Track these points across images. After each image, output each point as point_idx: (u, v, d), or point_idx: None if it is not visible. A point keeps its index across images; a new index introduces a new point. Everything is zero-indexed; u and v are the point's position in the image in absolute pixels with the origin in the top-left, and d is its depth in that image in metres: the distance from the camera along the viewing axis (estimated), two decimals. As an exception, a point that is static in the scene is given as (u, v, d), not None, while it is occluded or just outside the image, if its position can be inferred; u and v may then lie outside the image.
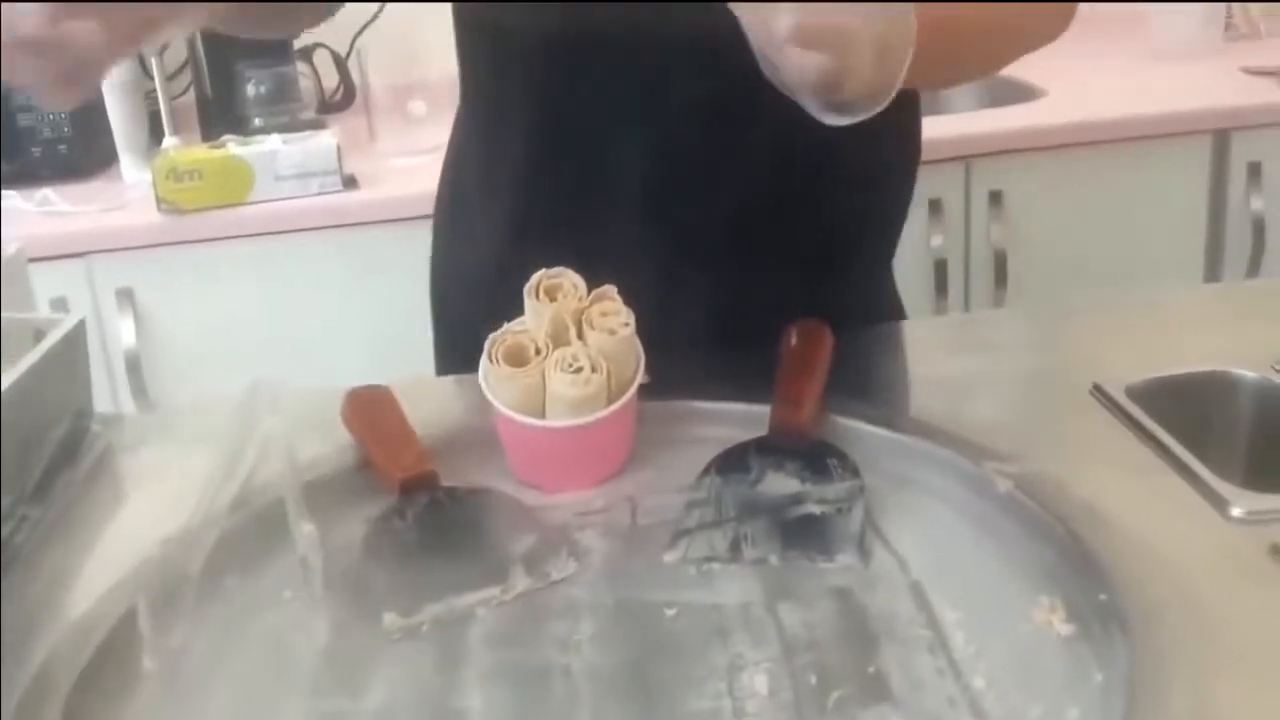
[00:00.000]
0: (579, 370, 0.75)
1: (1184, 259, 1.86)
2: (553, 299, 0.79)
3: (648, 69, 0.89)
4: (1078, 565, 0.64)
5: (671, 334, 0.80)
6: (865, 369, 0.92)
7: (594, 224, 0.93)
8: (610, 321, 0.78)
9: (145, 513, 0.78)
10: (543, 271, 0.80)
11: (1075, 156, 1.78)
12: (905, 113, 0.98)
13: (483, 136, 1.00)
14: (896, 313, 1.06)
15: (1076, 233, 1.82)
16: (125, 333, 1.59)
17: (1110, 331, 0.95)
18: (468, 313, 0.93)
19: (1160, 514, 0.68)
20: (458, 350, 0.99)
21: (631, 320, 0.78)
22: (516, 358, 0.77)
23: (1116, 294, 1.31)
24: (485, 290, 0.91)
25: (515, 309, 0.79)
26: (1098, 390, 0.82)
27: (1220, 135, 1.82)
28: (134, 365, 1.59)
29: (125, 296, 1.59)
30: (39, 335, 0.84)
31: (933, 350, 0.96)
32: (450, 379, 0.98)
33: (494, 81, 0.96)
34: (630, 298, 0.79)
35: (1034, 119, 1.82)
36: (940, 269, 1.77)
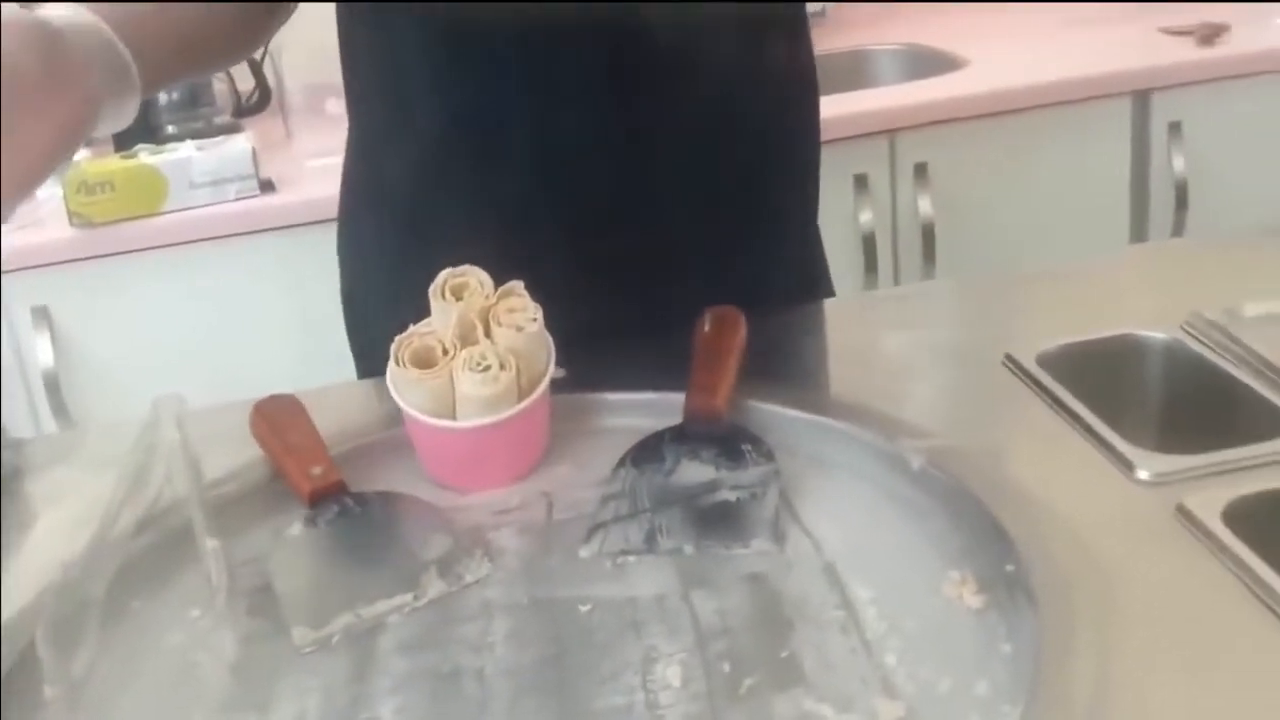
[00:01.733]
0: (487, 369, 0.74)
1: (1110, 222, 1.88)
2: (459, 298, 0.77)
3: (537, 46, 0.87)
4: (986, 537, 0.64)
5: (596, 323, 0.79)
6: (784, 349, 0.92)
7: (499, 213, 0.92)
8: (517, 318, 0.77)
9: (53, 536, 0.76)
10: (448, 271, 0.78)
11: (999, 125, 1.79)
12: (796, 50, 0.97)
13: (376, 136, 0.98)
14: (826, 287, 1.05)
15: (1004, 201, 1.83)
16: (42, 352, 1.56)
17: (1026, 300, 0.95)
18: (377, 315, 0.91)
19: (1069, 481, 0.69)
20: (378, 353, 0.98)
21: (539, 315, 0.77)
22: (424, 359, 0.76)
23: (1042, 261, 1.32)
24: (390, 292, 0.90)
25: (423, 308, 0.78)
26: (1010, 360, 0.82)
27: (1140, 96, 1.84)
28: (53, 385, 1.56)
29: (41, 314, 1.56)
30: (-66, 361, 0.81)
31: (852, 327, 0.96)
32: (360, 384, 0.97)
33: (382, 77, 0.94)
34: (549, 288, 0.78)
35: (956, 89, 1.82)
36: (869, 244, 1.77)
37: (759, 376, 0.82)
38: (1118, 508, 0.66)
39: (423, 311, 0.78)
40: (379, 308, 0.97)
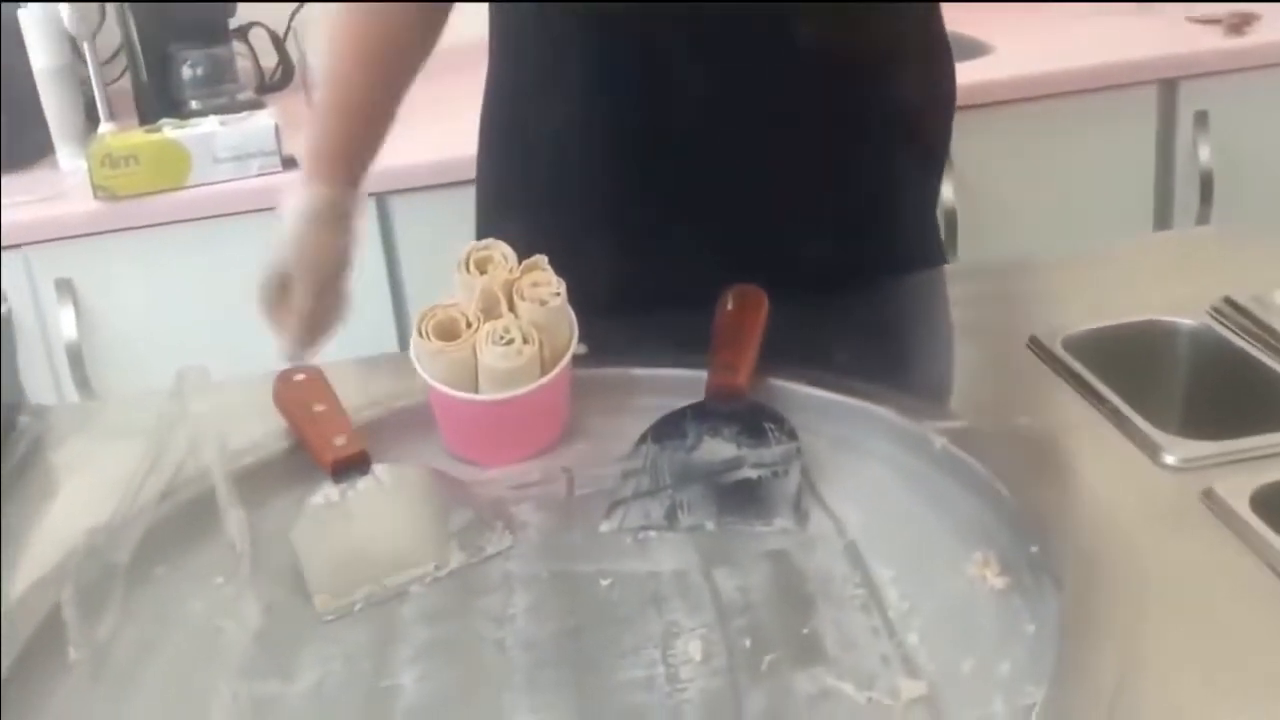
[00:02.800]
0: (510, 342, 0.74)
1: (1133, 210, 1.86)
2: (483, 271, 0.77)
3: (679, 35, 0.88)
4: (1010, 519, 0.64)
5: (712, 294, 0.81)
6: (806, 330, 0.91)
7: (642, 186, 0.93)
8: (541, 292, 0.77)
9: (75, 504, 0.77)
10: (472, 244, 0.79)
11: (1024, 111, 1.77)
12: (935, 64, 0.98)
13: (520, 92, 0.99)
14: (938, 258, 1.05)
15: (1026, 189, 1.81)
16: (66, 324, 1.56)
17: (1050, 285, 0.95)
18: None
19: (1094, 465, 0.68)
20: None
21: (563, 290, 0.77)
22: (447, 332, 0.76)
23: (1062, 247, 1.31)
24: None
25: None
26: (1034, 343, 0.81)
27: (1167, 85, 1.82)
28: (76, 357, 1.57)
29: (65, 287, 1.56)
30: (-40, 328, 0.82)
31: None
32: (382, 356, 0.97)
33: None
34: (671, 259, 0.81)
35: (981, 75, 1.81)
36: (891, 229, 1.76)
37: (781, 355, 0.81)
38: (1144, 492, 0.65)
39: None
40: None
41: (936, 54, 0.99)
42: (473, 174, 1.06)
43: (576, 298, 0.78)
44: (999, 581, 0.61)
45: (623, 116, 0.92)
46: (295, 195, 0.90)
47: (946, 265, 1.06)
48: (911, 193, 1.02)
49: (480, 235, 1.04)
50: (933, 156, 1.03)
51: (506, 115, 1.01)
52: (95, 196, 1.57)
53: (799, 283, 0.84)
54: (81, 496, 0.76)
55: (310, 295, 0.89)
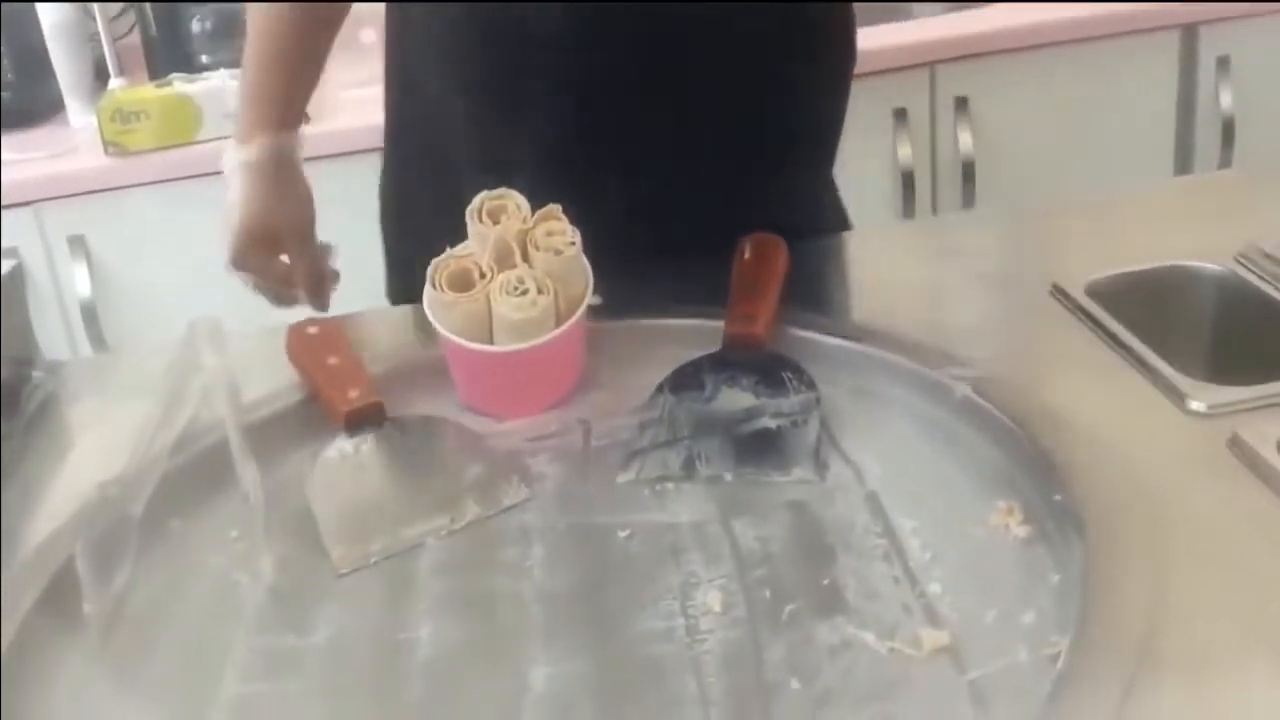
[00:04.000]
0: (524, 293, 0.73)
1: (1154, 157, 1.84)
2: (496, 221, 0.76)
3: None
4: (1033, 467, 0.63)
5: (612, 250, 0.78)
6: (826, 278, 0.90)
7: (536, 148, 0.90)
8: (555, 241, 0.76)
9: (89, 459, 0.76)
10: (484, 194, 0.77)
11: (1043, 58, 1.75)
12: (838, 24, 0.95)
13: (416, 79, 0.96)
14: (842, 224, 1.03)
15: (1046, 136, 1.79)
16: (79, 281, 1.56)
17: (1072, 231, 0.93)
18: (421, 238, 0.91)
19: (1119, 412, 0.67)
20: (413, 277, 0.97)
21: (578, 239, 0.76)
22: (461, 283, 0.75)
23: (1083, 194, 1.29)
24: (435, 216, 0.89)
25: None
26: (1057, 290, 0.80)
27: (1189, 30, 1.78)
28: (90, 314, 1.56)
29: (78, 244, 1.56)
30: (-28, 284, 0.81)
31: (894, 256, 0.94)
32: (395, 309, 0.96)
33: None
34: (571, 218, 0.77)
35: (1000, 21, 1.78)
36: (907, 180, 1.74)
37: (800, 304, 0.80)
38: (1169, 439, 0.64)
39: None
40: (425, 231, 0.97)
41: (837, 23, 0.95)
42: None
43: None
44: (1022, 530, 0.60)
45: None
46: (237, 153, 0.91)
47: (948, 214, 1.03)
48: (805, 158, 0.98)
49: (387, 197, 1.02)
50: (826, 122, 0.99)
51: (409, 68, 0.98)
52: (106, 152, 1.56)
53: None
54: (96, 451, 0.76)
55: (298, 248, 0.91)
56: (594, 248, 0.77)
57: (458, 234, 0.77)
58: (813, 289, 0.85)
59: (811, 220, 0.97)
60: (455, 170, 0.94)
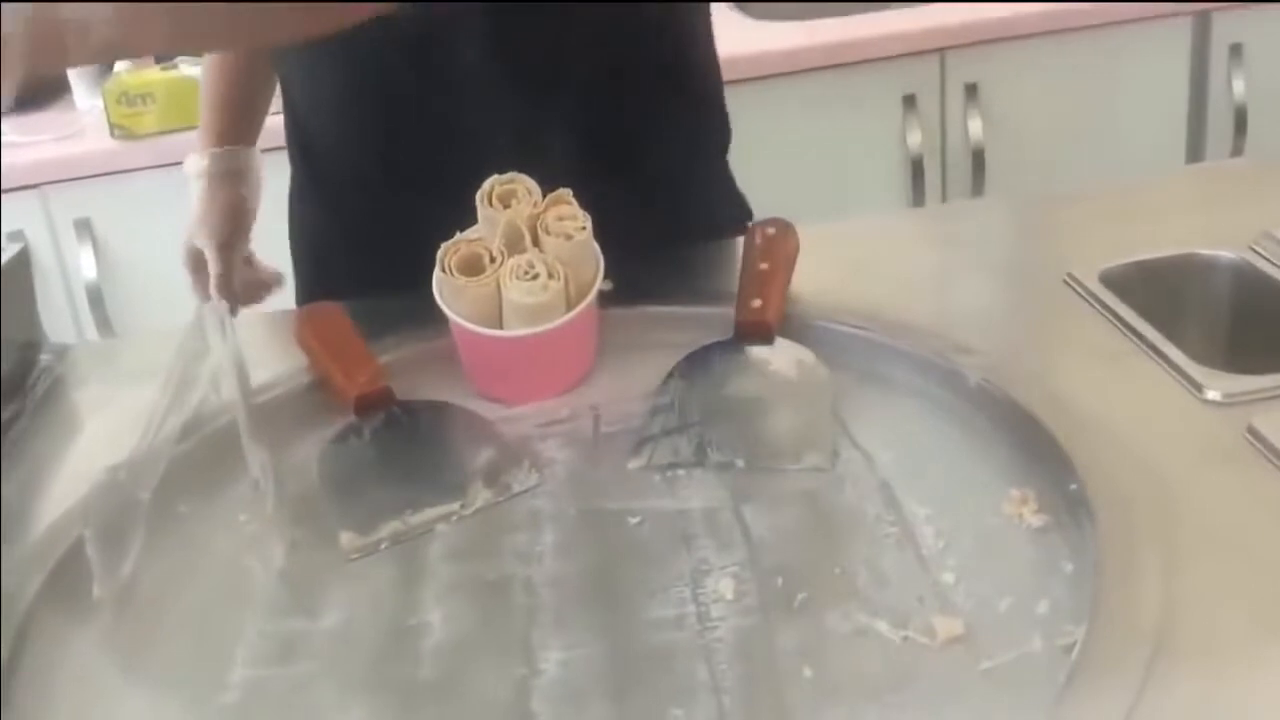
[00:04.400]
0: (535, 277, 0.73)
1: (1166, 145, 1.83)
2: (506, 205, 0.76)
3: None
4: (1047, 456, 0.62)
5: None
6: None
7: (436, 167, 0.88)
8: (567, 226, 0.75)
9: (96, 442, 0.76)
10: (495, 177, 0.77)
11: (1053, 44, 1.73)
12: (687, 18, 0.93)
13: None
14: (742, 213, 1.00)
15: (1056, 123, 1.78)
16: (85, 264, 1.56)
17: (1085, 219, 0.92)
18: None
19: (1134, 400, 0.67)
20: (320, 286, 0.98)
21: (589, 224, 0.75)
22: (471, 267, 0.74)
23: (1094, 182, 1.28)
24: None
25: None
26: (1071, 278, 0.79)
27: (1201, 17, 1.77)
28: (96, 297, 1.56)
29: (84, 227, 1.55)
30: (-21, 266, 0.81)
31: (907, 243, 0.94)
32: (405, 294, 0.95)
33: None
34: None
35: (1010, 7, 1.77)
36: (916, 167, 1.73)
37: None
38: (1186, 428, 0.64)
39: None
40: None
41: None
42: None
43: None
44: (1036, 519, 0.60)
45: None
46: (189, 161, 1.03)
47: (960, 201, 1.01)
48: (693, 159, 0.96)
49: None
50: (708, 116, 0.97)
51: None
52: (112, 135, 1.56)
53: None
54: (104, 434, 0.76)
55: (215, 254, 1.00)
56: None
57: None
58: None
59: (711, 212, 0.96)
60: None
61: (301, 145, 0.98)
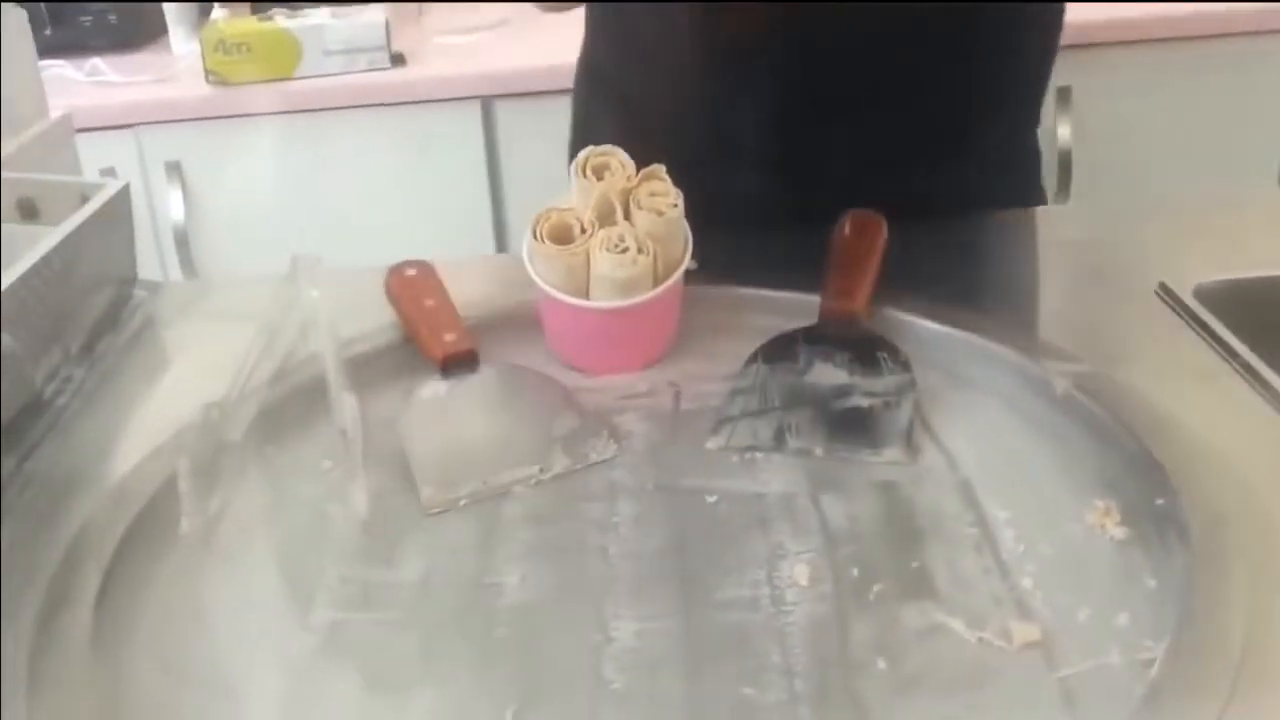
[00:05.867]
0: (625, 250, 0.73)
1: (1263, 161, 1.79)
2: (600, 177, 0.76)
3: None
4: (1135, 469, 0.61)
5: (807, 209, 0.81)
6: (926, 261, 0.89)
7: (729, 100, 0.92)
8: (658, 202, 0.75)
9: (186, 381, 0.78)
10: (590, 149, 0.77)
11: (1151, 52, 1.71)
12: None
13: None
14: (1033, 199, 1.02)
15: (1148, 131, 1.75)
16: (174, 206, 1.58)
17: (1180, 231, 0.91)
18: None
19: (1225, 420, 0.66)
20: None
21: (680, 201, 0.75)
22: (561, 235, 0.75)
23: (1188, 194, 1.26)
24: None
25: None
26: (1164, 290, 0.78)
27: (1305, 33, 1.73)
28: (182, 239, 1.59)
29: (174, 169, 1.58)
30: (84, 199, 0.83)
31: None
32: (493, 257, 0.97)
33: None
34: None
35: (1108, 11, 1.73)
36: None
37: (899, 285, 0.79)
38: (1277, 451, 0.63)
39: None
40: None
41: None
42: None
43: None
44: (1119, 532, 0.59)
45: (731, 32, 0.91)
46: None
47: (1049, 207, 1.03)
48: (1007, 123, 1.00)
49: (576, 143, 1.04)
50: (1034, 87, 1.00)
51: (611, 25, 0.99)
52: (206, 81, 1.58)
53: (904, 209, 0.82)
54: (193, 374, 0.77)
55: None
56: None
57: None
58: (913, 270, 0.83)
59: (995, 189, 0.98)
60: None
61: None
